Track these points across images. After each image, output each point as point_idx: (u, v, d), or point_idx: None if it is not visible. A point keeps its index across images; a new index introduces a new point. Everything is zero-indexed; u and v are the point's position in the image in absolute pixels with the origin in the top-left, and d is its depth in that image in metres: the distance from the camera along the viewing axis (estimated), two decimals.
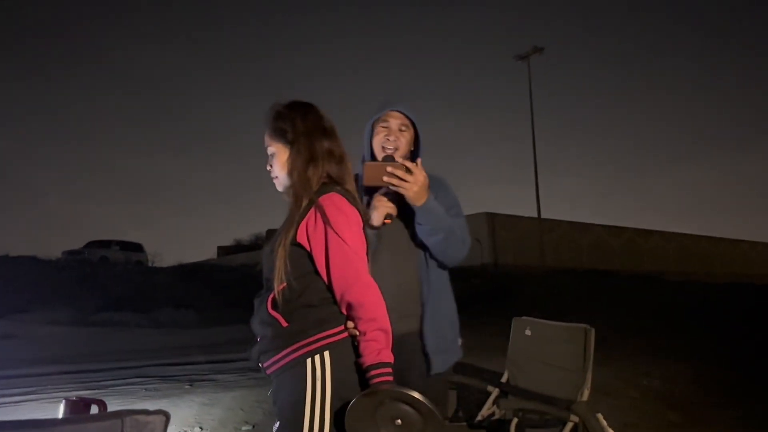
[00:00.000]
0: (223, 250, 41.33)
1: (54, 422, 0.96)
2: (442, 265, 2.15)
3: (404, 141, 2.16)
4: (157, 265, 26.73)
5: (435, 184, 2.17)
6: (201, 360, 8.42)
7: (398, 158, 2.09)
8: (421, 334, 2.08)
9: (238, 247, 40.64)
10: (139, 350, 10.63)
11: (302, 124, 1.82)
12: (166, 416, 1.01)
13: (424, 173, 1.98)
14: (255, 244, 39.09)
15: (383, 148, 2.15)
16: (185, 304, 16.89)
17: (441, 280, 2.16)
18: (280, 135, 1.83)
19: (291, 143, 1.81)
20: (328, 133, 1.84)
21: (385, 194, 2.07)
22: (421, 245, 2.10)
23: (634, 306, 13.09)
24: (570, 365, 3.02)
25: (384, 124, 2.17)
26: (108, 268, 21.44)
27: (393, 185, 1.96)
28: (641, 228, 35.54)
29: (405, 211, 2.06)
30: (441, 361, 2.10)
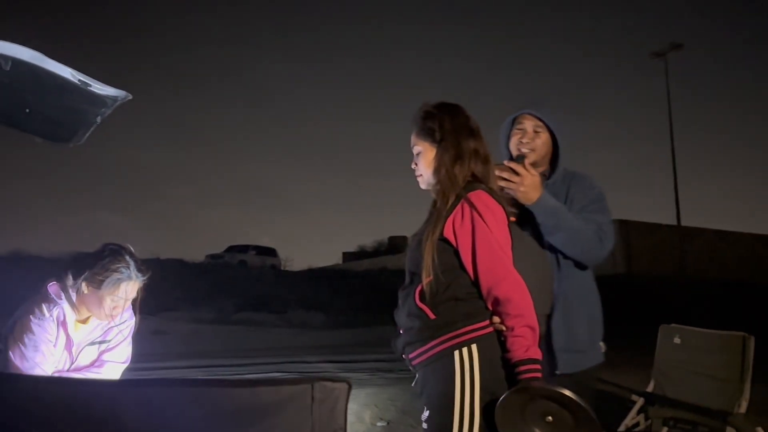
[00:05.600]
0: (347, 256, 42.54)
1: (253, 382, 1.03)
2: (579, 265, 2.12)
3: (540, 142, 2.17)
4: (288, 269, 28.07)
5: (576, 181, 2.18)
6: (333, 359, 8.76)
7: (529, 159, 2.12)
8: (548, 331, 2.04)
9: (362, 253, 41.63)
10: (276, 348, 11.25)
11: (450, 124, 1.87)
12: (349, 385, 1.07)
13: (532, 172, 2.01)
14: (377, 251, 39.90)
15: (519, 149, 2.17)
16: (315, 307, 17.62)
17: (577, 280, 2.12)
18: (427, 134, 1.89)
19: (438, 142, 1.87)
20: (474, 133, 1.89)
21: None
22: (552, 246, 2.08)
23: None
24: (725, 375, 2.84)
25: (519, 126, 2.20)
26: (246, 271, 22.81)
27: (502, 187, 1.98)
28: None
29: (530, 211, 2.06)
30: (569, 361, 2.05)
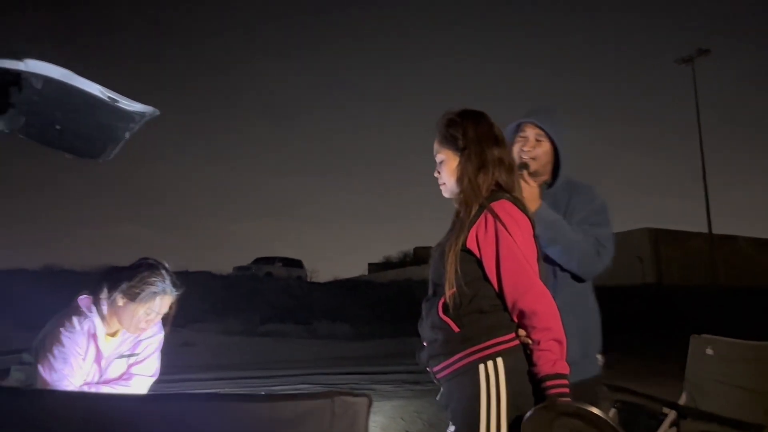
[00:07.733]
0: (373, 267, 42.61)
1: (272, 397, 1.03)
2: (576, 277, 2.13)
3: (541, 151, 2.20)
4: (314, 280, 28.19)
5: (577, 192, 2.21)
6: (359, 371, 8.76)
7: (531, 167, 2.16)
8: None
9: (388, 264, 41.66)
10: (302, 360, 11.30)
11: (473, 132, 1.84)
12: (370, 400, 1.05)
13: (531, 183, 2.08)
14: (403, 261, 39.91)
15: (521, 157, 2.20)
16: (341, 318, 17.66)
17: (573, 293, 2.11)
18: (450, 142, 1.87)
19: (461, 150, 1.84)
20: (499, 141, 1.86)
21: None
22: (550, 258, 2.09)
23: None
24: (759, 387, 2.77)
25: (522, 134, 2.23)
26: (273, 283, 22.96)
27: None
28: None
29: None
30: None
